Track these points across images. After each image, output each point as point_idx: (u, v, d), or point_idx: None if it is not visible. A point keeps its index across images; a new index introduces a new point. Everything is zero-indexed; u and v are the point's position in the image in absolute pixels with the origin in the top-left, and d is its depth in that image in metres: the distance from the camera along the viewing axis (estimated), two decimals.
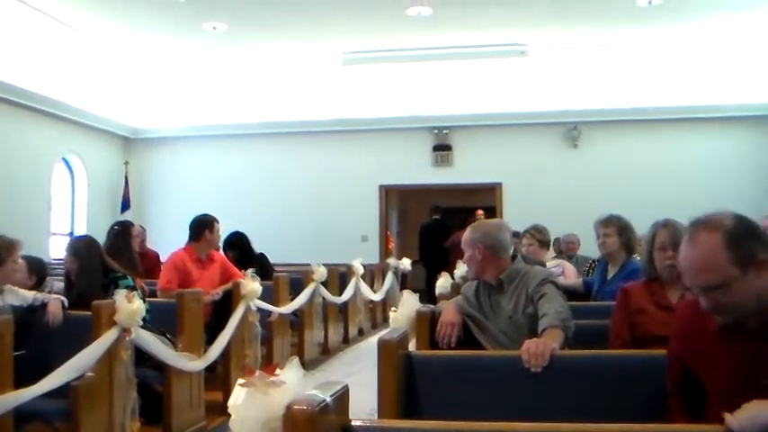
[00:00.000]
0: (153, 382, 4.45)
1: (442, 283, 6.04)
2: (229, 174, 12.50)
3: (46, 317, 3.94)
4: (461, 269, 6.43)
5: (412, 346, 3.03)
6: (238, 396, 1.66)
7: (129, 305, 3.76)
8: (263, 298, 5.63)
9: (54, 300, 4.03)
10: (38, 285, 4.67)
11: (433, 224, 12.81)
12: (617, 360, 2.55)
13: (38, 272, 4.80)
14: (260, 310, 5.65)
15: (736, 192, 10.42)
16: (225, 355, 5.10)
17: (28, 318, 3.97)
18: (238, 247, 6.84)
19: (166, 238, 9.18)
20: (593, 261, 5.53)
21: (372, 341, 7.02)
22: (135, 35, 11.12)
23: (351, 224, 12.03)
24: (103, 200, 12.05)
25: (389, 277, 10.06)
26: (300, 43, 11.41)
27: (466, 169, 12.04)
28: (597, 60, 11.58)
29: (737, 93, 11.15)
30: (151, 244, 8.51)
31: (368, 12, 9.98)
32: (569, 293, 3.97)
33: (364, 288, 8.89)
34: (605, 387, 2.40)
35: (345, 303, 8.32)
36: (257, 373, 1.68)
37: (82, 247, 4.51)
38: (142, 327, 3.96)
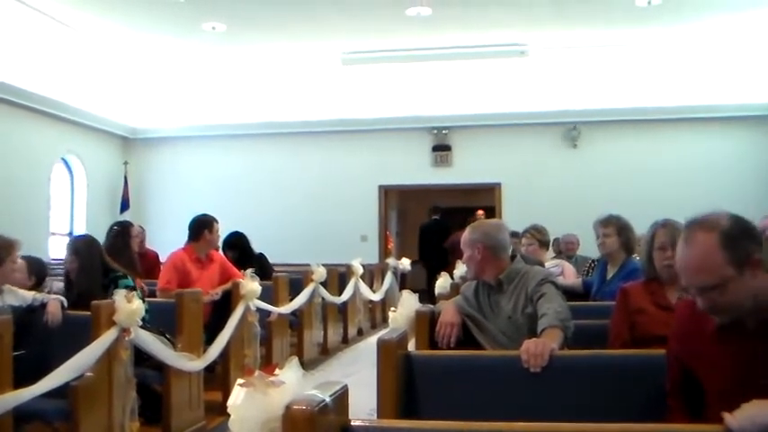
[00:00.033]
0: (152, 382, 4.44)
1: (442, 283, 6.05)
2: (229, 174, 12.50)
3: (45, 317, 3.93)
4: (461, 269, 6.43)
5: (411, 347, 3.03)
6: (238, 396, 1.66)
7: (129, 305, 3.76)
8: (262, 298, 5.62)
9: (53, 300, 4.03)
10: (37, 285, 4.67)
11: (433, 224, 12.82)
12: (616, 360, 2.55)
13: (37, 272, 4.80)
14: (259, 310, 5.65)
15: (736, 192, 10.42)
16: (224, 355, 5.10)
17: (27, 318, 3.97)
18: (238, 247, 6.84)
19: (166, 238, 9.18)
20: (593, 261, 5.53)
21: (372, 341, 7.04)
22: (134, 35, 11.12)
23: (350, 224, 12.03)
24: (103, 200, 12.05)
25: (389, 277, 10.06)
26: (300, 43, 11.41)
27: (465, 169, 12.04)
28: (597, 60, 11.58)
29: (737, 93, 11.15)
30: (150, 244, 8.51)
31: (367, 12, 9.98)
32: (569, 293, 3.97)
33: (363, 288, 8.89)
34: (605, 387, 2.40)
35: (345, 303, 8.32)
36: (256, 373, 1.67)
37: (82, 247, 4.51)
38: (141, 327, 3.96)
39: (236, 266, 5.93)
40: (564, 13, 10.05)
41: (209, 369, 4.99)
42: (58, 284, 4.83)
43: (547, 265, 5.11)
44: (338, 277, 8.25)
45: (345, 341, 8.39)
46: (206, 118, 12.51)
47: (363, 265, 8.91)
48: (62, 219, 11.29)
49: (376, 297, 9.47)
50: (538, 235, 5.53)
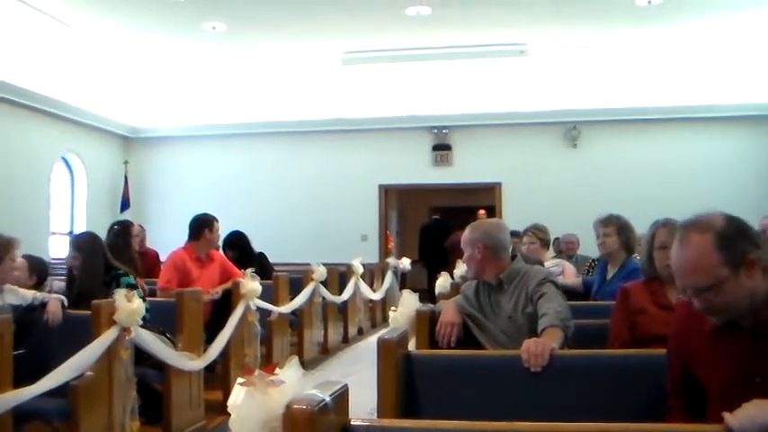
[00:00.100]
0: (152, 381, 4.45)
1: (442, 282, 6.05)
2: (229, 173, 12.51)
3: (45, 316, 3.94)
4: (461, 269, 6.43)
5: (411, 346, 3.03)
6: (238, 395, 1.66)
7: (129, 304, 3.76)
8: (262, 297, 5.63)
9: (54, 299, 4.03)
10: (38, 285, 4.68)
11: (433, 224, 12.84)
12: (617, 360, 2.55)
13: (38, 271, 4.81)
14: (259, 309, 5.65)
15: (736, 192, 10.43)
16: (224, 354, 5.10)
17: (27, 317, 3.97)
18: (238, 246, 6.85)
19: (166, 237, 9.18)
20: (593, 261, 5.53)
21: (372, 341, 7.04)
22: (135, 35, 11.12)
23: (350, 224, 12.03)
24: (103, 199, 12.05)
25: (389, 277, 10.07)
26: (300, 43, 11.41)
27: (465, 169, 12.04)
28: (597, 60, 11.58)
29: (737, 93, 11.15)
30: (151, 243, 8.51)
31: (367, 12, 9.98)
32: (569, 293, 3.97)
33: (364, 288, 8.89)
34: (605, 387, 2.40)
35: (345, 303, 8.32)
36: (257, 372, 1.67)
37: (85, 243, 4.52)
38: (142, 326, 3.96)
39: (237, 266, 5.93)
40: (564, 13, 10.04)
41: (210, 368, 4.99)
42: (59, 284, 4.84)
43: (547, 264, 5.11)
44: (338, 277, 8.25)
45: (346, 341, 8.39)
46: (206, 117, 12.51)
47: (364, 265, 8.91)
48: (62, 218, 11.29)
49: (376, 296, 9.47)
50: (540, 234, 5.53)
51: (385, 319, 8.54)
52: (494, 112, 11.77)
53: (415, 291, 3.54)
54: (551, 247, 6.57)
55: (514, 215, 10.31)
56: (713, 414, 1.84)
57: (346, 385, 1.77)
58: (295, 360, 1.76)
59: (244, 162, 12.52)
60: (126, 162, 12.56)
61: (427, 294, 8.65)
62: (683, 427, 1.94)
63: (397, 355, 2.50)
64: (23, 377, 3.41)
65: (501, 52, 11.43)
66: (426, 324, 3.18)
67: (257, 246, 7.22)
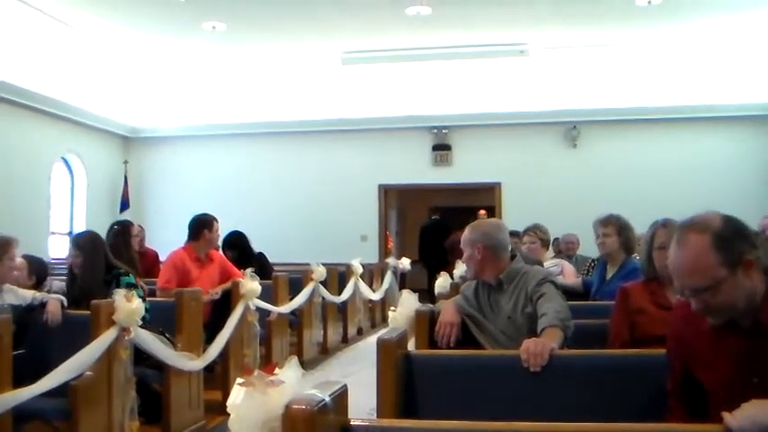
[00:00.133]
0: (152, 381, 4.44)
1: (442, 282, 6.05)
2: (229, 173, 12.51)
3: (45, 316, 3.94)
4: (460, 269, 6.43)
5: (411, 346, 3.03)
6: (237, 395, 1.65)
7: (128, 304, 3.76)
8: (262, 297, 5.63)
9: (53, 299, 4.03)
10: (38, 285, 4.68)
11: (433, 224, 12.84)
12: (616, 360, 2.55)
13: (38, 272, 4.81)
14: (259, 309, 5.65)
15: (736, 192, 10.43)
16: (224, 354, 5.10)
17: (27, 317, 3.97)
18: (237, 246, 6.85)
19: (165, 237, 9.18)
20: (593, 261, 5.53)
21: (371, 341, 7.04)
22: (134, 35, 11.12)
23: (350, 224, 12.04)
24: (103, 199, 12.05)
25: (388, 277, 10.06)
26: (300, 43, 11.41)
27: (465, 169, 12.04)
28: (597, 60, 11.58)
29: (737, 93, 11.15)
30: (150, 243, 8.52)
31: (367, 11, 9.98)
32: (568, 293, 3.97)
33: (363, 288, 8.89)
34: (604, 387, 2.40)
35: (344, 303, 8.32)
36: (256, 372, 1.67)
37: (86, 242, 4.53)
38: (141, 326, 3.96)
39: (236, 266, 5.93)
40: (564, 13, 10.04)
41: (209, 368, 4.99)
42: (59, 284, 4.84)
43: (546, 264, 5.11)
44: (338, 277, 8.25)
45: (345, 341, 8.39)
46: (206, 117, 12.51)
47: (363, 265, 8.91)
48: (62, 218, 11.30)
49: (376, 297, 9.47)
50: (540, 234, 5.53)
51: (384, 320, 8.54)
52: (493, 112, 11.77)
53: (414, 291, 3.53)
54: (551, 247, 6.57)
55: (514, 215, 10.31)
56: (715, 414, 1.84)
57: (346, 385, 1.77)
58: (294, 360, 1.76)
59: (243, 162, 12.53)
60: (126, 162, 12.57)
61: (427, 294, 8.65)
62: (683, 427, 1.95)
63: (397, 355, 2.50)
64: (23, 377, 3.41)
65: (501, 52, 11.43)
66: (426, 324, 3.18)
67: (257, 246, 7.22)
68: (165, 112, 12.69)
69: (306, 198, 12.22)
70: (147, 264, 7.04)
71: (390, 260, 10.69)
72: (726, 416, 1.66)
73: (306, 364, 6.20)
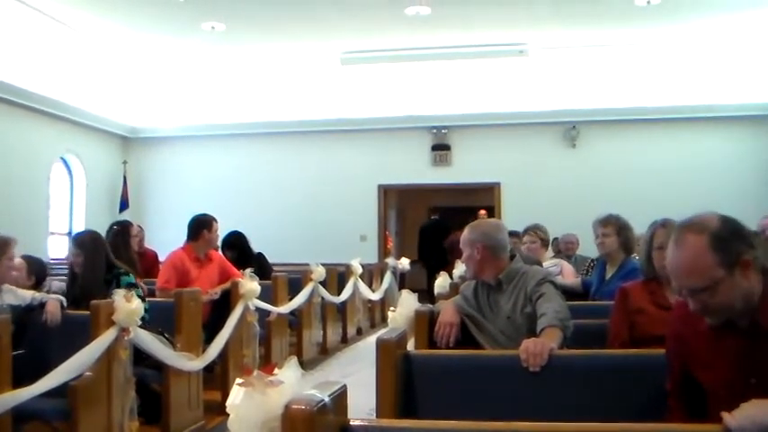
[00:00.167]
0: (151, 381, 4.44)
1: (441, 282, 6.05)
2: (228, 173, 12.50)
3: (44, 316, 3.93)
4: (460, 269, 6.43)
5: (410, 346, 3.03)
6: (237, 396, 1.65)
7: (128, 305, 3.76)
8: (261, 297, 5.63)
9: (52, 300, 4.03)
10: (37, 285, 4.68)
11: (432, 224, 12.84)
12: (616, 360, 2.56)
13: (37, 272, 4.81)
14: (258, 309, 5.65)
15: (736, 192, 10.44)
16: (223, 354, 5.10)
17: (26, 317, 3.97)
18: (237, 246, 6.85)
19: (165, 237, 9.18)
20: (592, 261, 5.53)
21: (371, 341, 7.04)
22: (134, 35, 11.12)
23: (349, 224, 12.03)
24: (102, 199, 12.05)
25: (388, 277, 10.06)
26: (299, 43, 11.41)
27: (464, 169, 12.04)
28: (596, 60, 11.58)
29: (736, 93, 11.15)
30: (149, 243, 8.51)
31: (366, 11, 9.98)
32: (568, 293, 3.97)
33: (363, 288, 8.89)
34: (604, 387, 2.40)
35: (344, 303, 8.32)
36: (255, 372, 1.67)
37: (87, 241, 4.53)
38: (141, 326, 3.96)
39: (235, 266, 5.93)
40: (563, 13, 10.05)
41: (209, 369, 4.99)
42: (58, 284, 4.84)
43: (545, 264, 5.11)
44: (337, 277, 8.24)
45: (344, 341, 8.39)
46: (205, 118, 12.50)
47: (362, 265, 8.91)
48: (61, 218, 11.29)
49: (375, 297, 9.47)
50: (541, 234, 5.53)
51: (384, 320, 8.55)
52: (493, 112, 11.77)
53: (414, 291, 3.54)
54: (550, 247, 6.57)
55: (513, 215, 10.31)
56: (714, 414, 1.84)
57: (345, 385, 1.77)
58: (294, 360, 1.76)
59: (243, 162, 12.52)
60: (125, 162, 12.56)
61: (426, 294, 8.65)
62: (682, 427, 1.95)
63: (396, 355, 2.50)
64: (22, 377, 3.41)
65: (500, 52, 11.43)
66: (425, 324, 3.18)
67: (256, 246, 7.22)
68: (164, 113, 12.69)
69: (305, 198, 12.22)
70: (147, 264, 7.04)
71: (390, 260, 10.68)
72: (725, 416, 1.66)
73: (305, 365, 6.20)
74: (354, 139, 12.25)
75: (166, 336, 4.45)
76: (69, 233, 11.16)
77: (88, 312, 3.75)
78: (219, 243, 6.36)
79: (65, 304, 4.08)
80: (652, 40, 11.21)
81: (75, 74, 10.93)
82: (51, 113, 10.51)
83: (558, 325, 2.81)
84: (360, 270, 8.70)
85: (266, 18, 10.28)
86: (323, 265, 7.50)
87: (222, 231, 6.27)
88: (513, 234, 5.12)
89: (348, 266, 8.62)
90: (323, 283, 7.40)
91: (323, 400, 1.61)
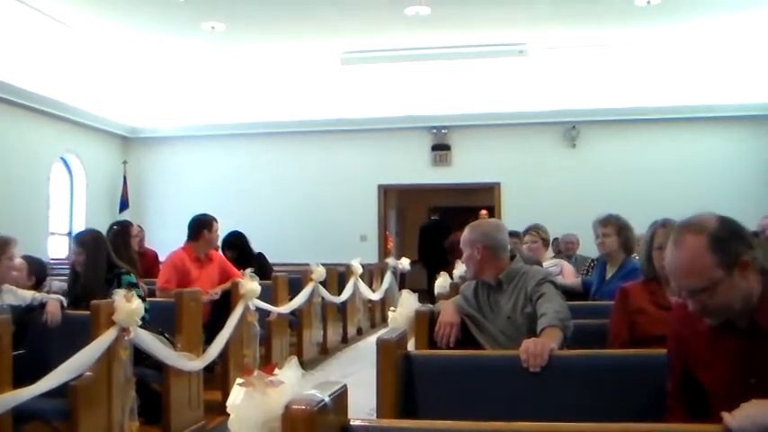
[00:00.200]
0: (152, 381, 4.44)
1: (441, 282, 6.05)
2: (228, 173, 12.51)
3: (44, 317, 3.94)
4: (460, 269, 6.43)
5: (411, 346, 3.03)
6: (237, 396, 1.66)
7: (128, 305, 3.76)
8: (261, 298, 5.63)
9: (53, 300, 4.03)
10: (37, 285, 4.68)
11: (432, 224, 12.84)
12: (616, 360, 2.56)
13: (37, 272, 4.81)
14: (259, 309, 5.65)
15: (736, 192, 10.44)
16: (223, 354, 5.10)
17: (26, 317, 3.97)
18: (237, 246, 6.85)
19: (165, 237, 9.18)
20: (592, 261, 5.53)
21: (371, 341, 7.04)
22: (134, 35, 11.12)
23: (349, 224, 12.04)
24: (102, 199, 12.05)
25: (388, 277, 10.06)
26: (299, 43, 11.41)
27: (464, 169, 12.04)
28: (596, 60, 11.58)
29: (736, 93, 11.15)
30: (149, 243, 8.51)
31: (366, 11, 9.98)
32: (568, 293, 3.97)
33: (363, 288, 8.89)
34: (604, 387, 2.40)
35: (344, 303, 8.32)
36: (256, 372, 1.67)
37: (89, 240, 4.54)
38: (141, 326, 3.96)
39: (236, 266, 5.93)
40: (563, 13, 10.05)
41: (209, 369, 4.99)
42: (58, 284, 4.84)
43: (545, 264, 5.11)
44: (338, 277, 8.24)
45: (345, 341, 8.39)
46: (205, 118, 12.51)
47: (363, 265, 8.91)
48: (61, 218, 11.29)
49: (375, 297, 9.47)
50: (542, 234, 5.54)
51: (384, 320, 8.55)
52: (493, 112, 11.77)
53: (414, 291, 3.54)
54: (550, 247, 6.57)
55: (513, 215, 10.32)
56: (716, 414, 1.84)
57: (345, 385, 1.77)
58: (294, 360, 1.76)
59: (243, 162, 12.53)
60: (125, 162, 12.56)
61: (426, 295, 8.65)
62: (682, 427, 1.95)
63: (397, 355, 2.50)
64: (23, 377, 3.41)
65: (500, 52, 11.43)
66: (425, 324, 3.18)
67: (256, 246, 7.22)
68: (164, 113, 12.69)
69: (305, 198, 12.22)
70: (147, 264, 7.04)
71: (390, 260, 10.68)
72: (725, 416, 1.66)
73: (305, 365, 6.20)
74: (354, 139, 12.25)
75: (167, 336, 4.45)
76: (69, 233, 11.17)
77: (88, 312, 3.75)
78: (220, 243, 6.36)
79: (65, 304, 4.09)
80: (652, 40, 11.21)
81: (75, 74, 10.93)
82: (51, 113, 10.51)
83: (558, 325, 2.81)
84: (360, 270, 8.70)
85: (266, 18, 10.28)
86: (323, 265, 7.50)
87: (222, 231, 6.27)
88: (513, 234, 5.12)
89: (348, 266, 8.62)
90: (323, 283, 7.40)
91: (323, 400, 1.61)
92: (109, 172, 12.30)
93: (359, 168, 12.18)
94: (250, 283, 5.41)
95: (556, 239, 7.64)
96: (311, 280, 7.17)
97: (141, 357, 4.13)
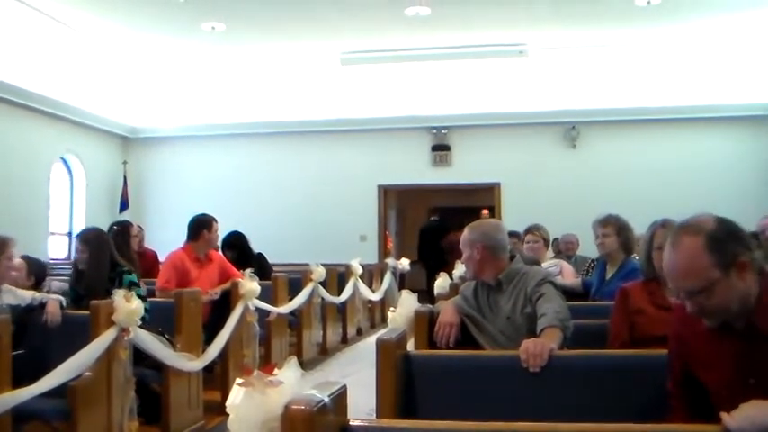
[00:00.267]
0: (151, 381, 4.44)
1: (441, 283, 6.05)
2: (228, 173, 12.50)
3: (44, 317, 3.94)
4: (460, 269, 6.44)
5: (410, 346, 3.03)
6: (237, 396, 1.65)
7: (128, 305, 3.76)
8: (261, 298, 5.63)
9: (52, 300, 4.03)
10: (36, 285, 4.68)
11: (432, 226, 12.84)
12: (616, 360, 2.56)
13: (36, 272, 4.81)
14: (258, 309, 5.65)
15: (736, 192, 10.45)
16: (223, 354, 5.10)
17: (26, 317, 3.98)
18: (237, 246, 6.85)
19: (165, 237, 9.18)
20: (592, 261, 5.53)
21: (371, 341, 7.04)
22: (134, 35, 11.11)
23: (349, 224, 12.03)
24: (102, 199, 12.05)
25: (388, 277, 10.06)
26: (299, 43, 11.41)
27: (464, 169, 12.04)
28: (596, 60, 11.58)
29: (737, 93, 11.15)
30: (149, 243, 8.52)
31: (366, 12, 9.98)
32: (568, 293, 3.97)
33: (363, 288, 8.89)
34: (604, 387, 2.40)
35: (344, 303, 8.32)
36: (255, 372, 1.67)
37: (93, 238, 4.55)
38: (141, 326, 3.96)
39: (235, 266, 5.93)
40: (563, 13, 10.05)
41: (208, 369, 4.99)
42: (58, 284, 4.85)
43: (545, 264, 5.10)
44: (337, 277, 8.25)
45: (344, 341, 8.39)
46: (205, 118, 12.50)
47: (362, 265, 8.91)
48: (61, 218, 11.28)
49: (375, 297, 9.47)
50: (543, 234, 5.54)
51: (384, 320, 8.55)
52: (493, 112, 11.77)
53: (413, 291, 3.54)
54: (550, 248, 6.57)
55: (513, 216, 10.31)
56: (718, 414, 1.84)
57: (345, 386, 1.77)
58: (294, 360, 1.76)
59: (243, 162, 12.52)
60: (125, 162, 12.56)
61: (426, 295, 8.65)
62: (682, 427, 1.95)
63: (396, 355, 2.50)
64: (22, 377, 3.41)
65: (500, 52, 11.43)
66: (425, 324, 3.18)
67: (256, 246, 7.22)
68: (164, 113, 12.68)
69: (305, 198, 12.22)
70: (147, 264, 7.04)
71: (390, 260, 10.68)
72: (724, 416, 1.66)
73: (305, 365, 6.20)
74: (354, 139, 12.25)
75: (166, 336, 4.45)
76: (69, 233, 11.17)
77: (88, 312, 3.75)
78: (219, 243, 6.36)
79: (65, 304, 4.09)
80: (652, 40, 11.21)
81: (75, 74, 10.93)
82: (51, 113, 10.51)
83: (558, 325, 2.81)
84: (360, 270, 8.70)
85: (266, 18, 10.28)
86: (323, 265, 7.50)
87: (222, 231, 6.27)
88: (513, 234, 5.12)
89: (348, 267, 8.62)
90: (323, 284, 7.40)
91: (323, 400, 1.61)
92: (109, 172, 12.30)
93: (359, 168, 12.18)
94: (250, 284, 5.41)
95: (556, 240, 7.64)
96: (311, 280, 7.17)
97: (141, 357, 4.13)
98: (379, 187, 12.33)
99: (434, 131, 12.16)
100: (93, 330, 3.69)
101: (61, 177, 11.41)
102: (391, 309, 3.43)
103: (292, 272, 7.40)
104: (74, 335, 3.71)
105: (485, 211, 11.58)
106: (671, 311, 2.47)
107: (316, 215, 12.09)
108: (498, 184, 11.98)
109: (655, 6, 9.59)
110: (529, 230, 5.61)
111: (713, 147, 11.33)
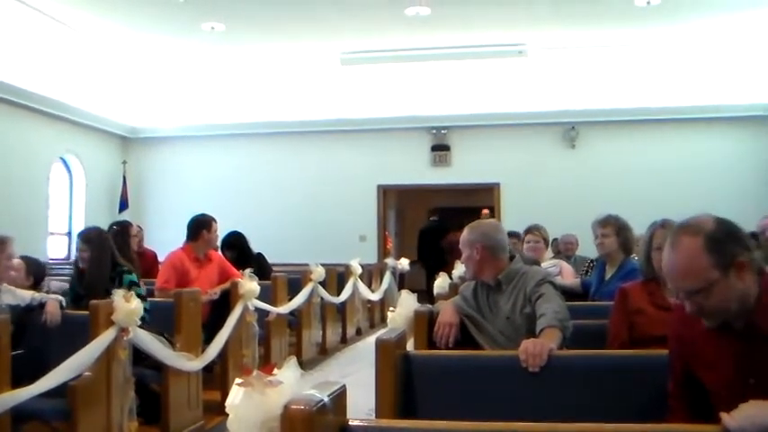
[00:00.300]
0: (151, 381, 4.44)
1: (440, 283, 6.05)
2: (228, 173, 12.50)
3: (44, 317, 3.94)
4: (459, 269, 6.43)
5: (410, 346, 3.03)
6: (236, 396, 1.65)
7: (127, 305, 3.76)
8: (260, 298, 5.63)
9: (52, 300, 4.03)
10: (35, 285, 4.68)
11: (432, 226, 12.84)
12: (615, 360, 2.56)
13: (35, 272, 4.81)
14: (258, 309, 5.65)
15: (736, 192, 10.45)
16: (223, 354, 5.10)
17: (25, 317, 3.97)
18: (236, 246, 6.85)
19: (164, 237, 9.18)
20: (591, 261, 5.53)
21: (370, 341, 7.03)
22: (133, 35, 11.11)
23: (349, 224, 12.03)
24: (101, 199, 12.05)
25: (387, 277, 10.06)
26: (299, 43, 11.41)
27: (464, 169, 12.04)
28: (595, 60, 11.58)
29: (737, 93, 11.15)
30: (149, 243, 8.52)
31: (366, 12, 9.98)
32: (567, 294, 3.97)
33: (362, 288, 8.89)
34: (604, 387, 2.40)
35: (343, 303, 8.32)
36: (255, 372, 1.67)
37: (94, 237, 4.56)
38: (140, 326, 3.96)
39: (235, 266, 5.93)
40: (563, 13, 10.05)
41: (208, 369, 4.99)
42: (57, 284, 4.85)
43: (545, 264, 5.10)
44: (337, 277, 8.25)
45: (344, 341, 8.39)
46: (205, 118, 12.50)
47: (362, 265, 8.90)
48: (61, 218, 11.28)
49: (375, 297, 9.47)
50: (543, 233, 5.54)
51: (383, 320, 8.54)
52: (492, 112, 11.77)
53: (413, 291, 3.54)
54: (549, 248, 6.57)
55: (513, 216, 10.32)
56: (719, 414, 1.84)
57: (344, 386, 1.77)
58: (293, 360, 1.76)
59: (243, 162, 12.52)
60: (124, 162, 12.56)
61: (426, 295, 8.65)
62: (682, 427, 1.95)
63: (396, 355, 2.50)
64: (22, 377, 3.41)
65: (500, 52, 11.43)
66: (425, 324, 3.18)
67: (256, 246, 7.22)
68: (164, 113, 12.68)
69: (305, 198, 12.22)
70: (146, 264, 7.04)
71: (389, 260, 10.69)
72: (724, 416, 1.66)
73: (304, 365, 6.20)
74: (354, 140, 12.25)
75: (166, 336, 4.45)
76: (69, 233, 11.17)
77: (87, 312, 3.75)
78: (219, 243, 6.36)
79: (64, 304, 4.09)
80: (652, 41, 11.21)
81: (75, 74, 10.93)
82: (51, 113, 10.51)
83: (557, 325, 2.81)
84: (359, 270, 8.69)
85: (266, 18, 10.28)
86: (322, 265, 7.49)
87: (222, 231, 6.27)
88: (512, 235, 5.12)
89: (348, 267, 8.62)
90: (322, 284, 7.40)
91: (322, 400, 1.61)
92: (108, 172, 12.30)
93: (358, 168, 12.18)
94: (249, 284, 5.42)
95: (555, 240, 7.64)
96: (310, 280, 7.17)
97: (140, 357, 4.13)
98: (379, 187, 12.33)
99: (434, 131, 12.16)
100: (93, 330, 3.69)
101: (61, 177, 11.41)
102: (391, 309, 3.43)
103: (292, 272, 7.40)
104: (73, 335, 3.71)
105: (485, 211, 11.58)
106: (670, 312, 2.47)
107: (315, 215, 12.09)
108: (498, 185, 11.98)
109: (655, 6, 9.59)
110: (528, 230, 5.60)
111: (713, 147, 11.33)
